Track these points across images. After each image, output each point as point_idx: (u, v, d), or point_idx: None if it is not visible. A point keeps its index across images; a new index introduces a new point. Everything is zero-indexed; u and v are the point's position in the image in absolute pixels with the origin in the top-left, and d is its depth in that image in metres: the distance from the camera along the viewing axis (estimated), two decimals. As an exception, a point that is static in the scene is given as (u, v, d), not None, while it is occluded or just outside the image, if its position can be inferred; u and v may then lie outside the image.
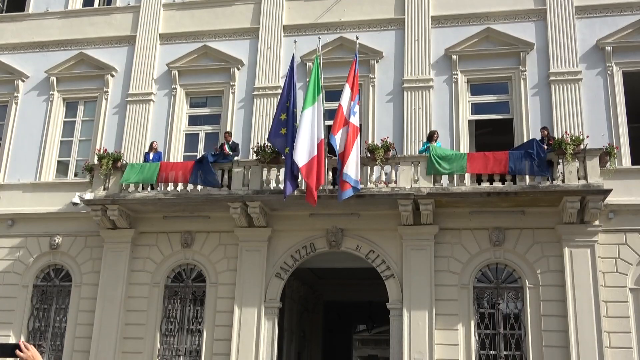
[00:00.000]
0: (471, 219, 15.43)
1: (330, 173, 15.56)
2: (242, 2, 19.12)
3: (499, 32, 17.16)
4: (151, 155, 17.04)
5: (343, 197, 14.57)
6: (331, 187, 15.42)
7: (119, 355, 16.10)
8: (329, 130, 15.69)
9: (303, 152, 14.56)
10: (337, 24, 18.18)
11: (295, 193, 15.23)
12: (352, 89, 15.12)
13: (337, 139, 14.78)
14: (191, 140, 18.44)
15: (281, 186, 15.67)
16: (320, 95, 15.23)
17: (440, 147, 15.66)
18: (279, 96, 17.48)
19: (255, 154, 16.15)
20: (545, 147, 14.93)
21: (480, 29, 17.30)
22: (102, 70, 19.25)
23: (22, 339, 17.07)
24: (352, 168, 14.52)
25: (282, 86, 16.09)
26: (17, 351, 4.16)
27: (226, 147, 16.58)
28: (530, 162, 14.50)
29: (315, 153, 14.65)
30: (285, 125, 15.10)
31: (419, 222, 15.40)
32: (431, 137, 15.91)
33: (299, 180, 15.27)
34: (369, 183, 15.39)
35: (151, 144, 17.39)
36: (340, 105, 15.07)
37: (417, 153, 16.01)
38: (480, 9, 17.53)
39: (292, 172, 14.85)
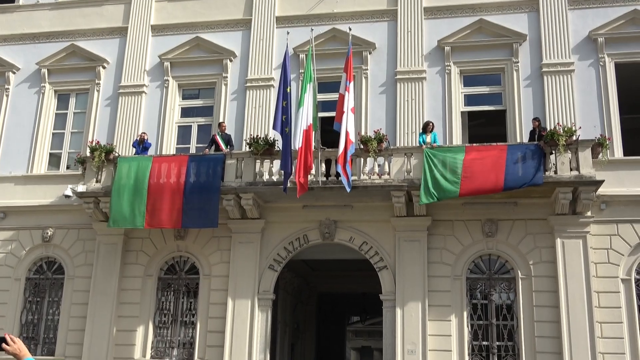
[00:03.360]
0: (464, 211, 15.46)
1: (324, 165, 15.55)
2: (235, -7, 19.05)
3: (491, 24, 17.15)
4: (141, 148, 16.96)
5: (348, 186, 14.54)
6: (324, 178, 15.41)
7: (112, 348, 16.10)
8: (322, 121, 15.68)
9: (297, 142, 14.56)
10: (330, 15, 18.12)
11: (289, 185, 15.21)
12: (347, 78, 15.05)
13: (342, 127, 14.68)
14: (184, 132, 18.38)
15: (274, 178, 15.65)
16: (311, 84, 15.16)
17: (434, 152, 15.05)
18: (271, 88, 17.51)
19: (248, 146, 16.11)
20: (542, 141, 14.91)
21: (472, 20, 17.29)
22: (93, 62, 19.14)
23: (15, 332, 17.02)
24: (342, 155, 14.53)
25: (279, 78, 15.94)
26: (3, 344, 4.10)
27: (218, 137, 16.55)
28: (526, 174, 14.35)
29: (301, 144, 14.55)
30: (285, 113, 15.03)
31: (412, 214, 15.43)
32: (426, 127, 15.90)
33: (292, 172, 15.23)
34: (362, 175, 15.39)
35: (141, 135, 17.27)
36: (341, 94, 15.00)
37: (410, 145, 15.99)
38: (473, 0, 17.50)
39: (288, 161, 14.74)
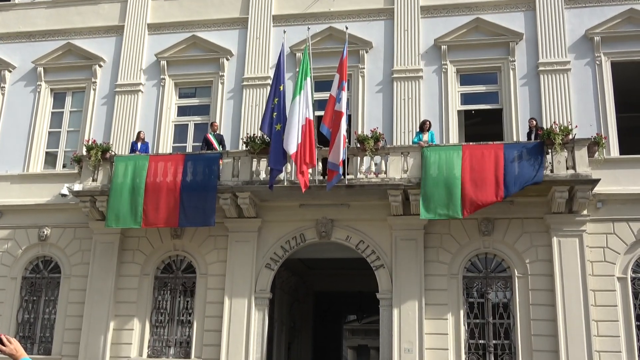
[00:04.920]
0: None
1: (320, 164, 15.53)
2: (231, -9, 19.03)
3: (488, 22, 17.16)
4: (139, 145, 16.98)
5: (329, 186, 14.55)
6: (321, 177, 15.41)
7: (108, 347, 16.06)
8: (318, 120, 15.66)
9: (292, 141, 14.50)
10: (327, 14, 18.12)
11: (286, 184, 15.22)
12: (340, 77, 15.03)
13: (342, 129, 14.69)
14: (180, 131, 18.36)
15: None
16: (308, 79, 15.14)
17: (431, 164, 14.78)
18: (268, 87, 17.45)
19: (244, 145, 16.10)
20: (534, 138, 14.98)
21: (469, 19, 17.30)
22: (90, 60, 19.11)
23: (12, 331, 17.01)
24: (335, 155, 14.49)
25: (272, 76, 16.01)
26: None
27: (211, 137, 16.57)
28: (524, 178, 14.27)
29: (301, 140, 14.53)
30: (276, 110, 15.01)
31: (409, 213, 15.42)
32: (423, 126, 15.91)
33: (285, 168, 15.17)
34: (358, 173, 15.39)
35: (138, 133, 17.30)
36: (331, 95, 15.01)
37: (407, 144, 16.01)
38: (470, -1, 17.54)
39: (277, 158, 14.71)
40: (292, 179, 15.34)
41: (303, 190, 14.57)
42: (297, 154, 14.51)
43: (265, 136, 15.81)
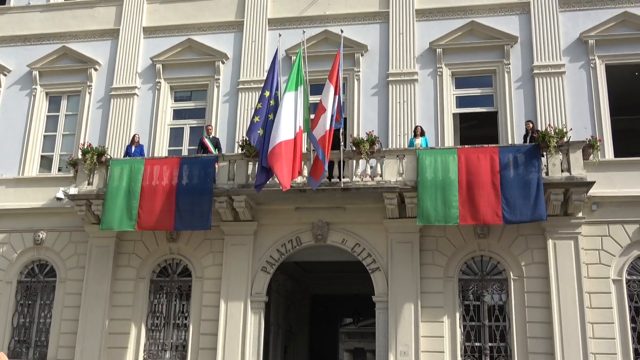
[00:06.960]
0: (456, 212, 15.46)
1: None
2: (227, -5, 19.06)
3: (483, 26, 17.22)
4: (133, 149, 16.97)
5: (315, 184, 14.58)
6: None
7: (104, 351, 16.05)
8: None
9: (275, 136, 14.41)
10: (322, 17, 18.16)
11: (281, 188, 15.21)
12: (334, 86, 14.94)
13: (317, 135, 14.66)
14: (176, 135, 18.36)
15: (267, 181, 15.59)
16: (303, 86, 15.15)
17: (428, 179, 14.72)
18: (264, 90, 17.45)
19: (240, 148, 16.11)
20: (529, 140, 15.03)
21: (464, 22, 17.36)
22: (85, 64, 19.10)
23: (7, 335, 16.99)
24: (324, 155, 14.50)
25: (265, 81, 15.98)
26: None
27: (206, 140, 16.58)
28: (526, 207, 14.16)
29: (292, 137, 14.46)
30: (258, 114, 14.98)
31: (405, 215, 15.45)
32: (415, 132, 15.96)
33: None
34: (354, 176, 15.40)
35: (133, 137, 17.29)
36: (321, 101, 14.93)
37: (402, 147, 16.05)
38: (465, 2, 17.58)
39: (264, 161, 14.65)
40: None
41: (284, 189, 14.34)
42: (278, 154, 14.39)
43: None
